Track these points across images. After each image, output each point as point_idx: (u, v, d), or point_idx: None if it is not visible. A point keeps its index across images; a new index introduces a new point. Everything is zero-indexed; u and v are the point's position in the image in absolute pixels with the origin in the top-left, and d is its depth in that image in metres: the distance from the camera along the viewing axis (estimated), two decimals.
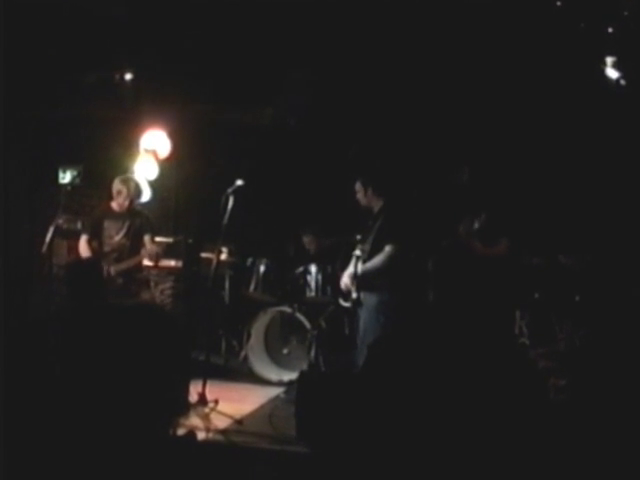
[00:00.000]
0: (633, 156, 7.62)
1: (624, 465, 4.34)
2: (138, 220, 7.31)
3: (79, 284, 5.55)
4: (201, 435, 5.41)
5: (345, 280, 6.60)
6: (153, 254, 7.22)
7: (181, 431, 1.91)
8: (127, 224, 7.24)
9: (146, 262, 7.50)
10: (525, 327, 7.52)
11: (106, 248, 7.24)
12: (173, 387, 1.84)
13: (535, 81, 7.62)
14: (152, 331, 1.86)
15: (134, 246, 7.24)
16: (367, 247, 6.52)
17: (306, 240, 8.43)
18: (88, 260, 6.87)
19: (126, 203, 7.26)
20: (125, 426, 1.77)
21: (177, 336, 1.89)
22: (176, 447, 1.84)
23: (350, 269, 6.52)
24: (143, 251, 7.21)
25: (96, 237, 7.26)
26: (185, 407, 1.90)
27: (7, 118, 7.42)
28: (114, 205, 7.30)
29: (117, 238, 7.23)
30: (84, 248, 7.23)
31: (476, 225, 6.73)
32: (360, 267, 6.41)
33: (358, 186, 6.69)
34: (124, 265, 7.16)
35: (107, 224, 7.26)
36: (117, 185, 7.26)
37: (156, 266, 7.75)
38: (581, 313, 7.27)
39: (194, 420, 5.70)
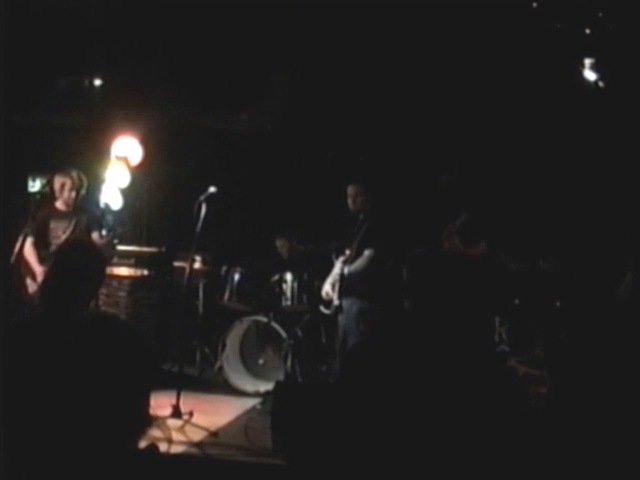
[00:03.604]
0: (612, 158, 7.62)
1: (606, 472, 4.29)
2: (84, 217, 7.09)
3: None
4: (175, 448, 5.29)
5: (327, 288, 6.59)
6: (109, 247, 6.99)
7: (144, 444, 1.83)
8: (73, 222, 7.03)
9: (121, 272, 7.32)
10: (505, 334, 7.47)
11: (53, 249, 6.92)
12: (132, 400, 1.75)
13: (514, 84, 7.62)
14: (108, 344, 1.78)
15: None
16: (352, 253, 6.47)
17: (279, 244, 8.37)
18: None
19: (73, 195, 7.02)
20: (86, 440, 1.68)
21: (136, 349, 1.82)
22: (137, 460, 1.75)
23: (333, 276, 6.46)
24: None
25: (42, 239, 7.00)
26: (147, 420, 1.80)
27: None
28: (58, 204, 7.08)
29: (64, 238, 6.96)
30: (29, 251, 6.92)
31: (457, 223, 6.59)
32: (346, 270, 6.38)
33: (357, 190, 6.54)
34: None
35: (53, 224, 7.03)
36: (59, 179, 7.03)
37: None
38: (562, 319, 7.22)
39: (168, 432, 5.57)
